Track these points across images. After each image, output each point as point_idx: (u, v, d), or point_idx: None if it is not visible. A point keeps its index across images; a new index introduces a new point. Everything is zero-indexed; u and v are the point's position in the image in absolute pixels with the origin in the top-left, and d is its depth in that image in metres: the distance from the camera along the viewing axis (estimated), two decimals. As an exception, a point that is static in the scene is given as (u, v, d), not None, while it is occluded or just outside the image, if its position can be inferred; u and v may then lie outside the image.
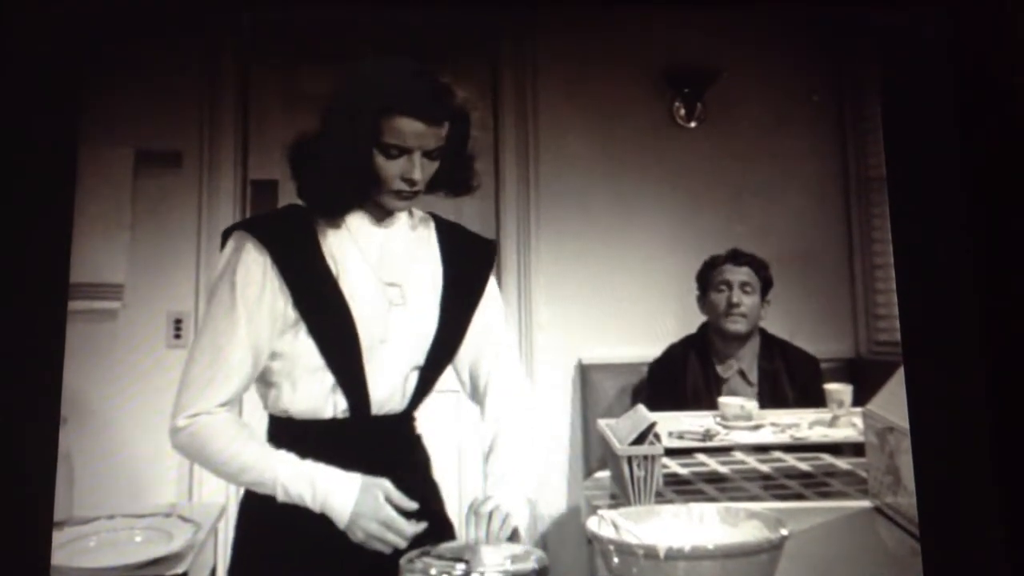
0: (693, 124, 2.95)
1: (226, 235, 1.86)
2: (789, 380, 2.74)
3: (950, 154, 1.86)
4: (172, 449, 1.81)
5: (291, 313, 1.82)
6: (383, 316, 1.86)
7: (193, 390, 1.78)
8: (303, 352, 1.82)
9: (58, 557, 1.83)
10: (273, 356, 1.83)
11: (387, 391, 1.86)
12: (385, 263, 1.89)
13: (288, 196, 2.82)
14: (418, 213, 1.99)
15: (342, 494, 1.77)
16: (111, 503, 2.19)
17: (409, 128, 1.82)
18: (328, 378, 1.82)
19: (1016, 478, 1.72)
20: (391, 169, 1.83)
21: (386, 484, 1.78)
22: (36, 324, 1.84)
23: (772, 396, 2.71)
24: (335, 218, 1.88)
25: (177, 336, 2.65)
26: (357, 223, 1.89)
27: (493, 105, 2.99)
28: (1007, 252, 1.82)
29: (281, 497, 1.77)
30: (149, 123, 2.60)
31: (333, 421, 1.84)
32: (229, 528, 2.54)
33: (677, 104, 2.96)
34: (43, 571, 1.76)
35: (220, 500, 2.43)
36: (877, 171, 3.09)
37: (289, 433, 1.84)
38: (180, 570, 1.90)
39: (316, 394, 1.83)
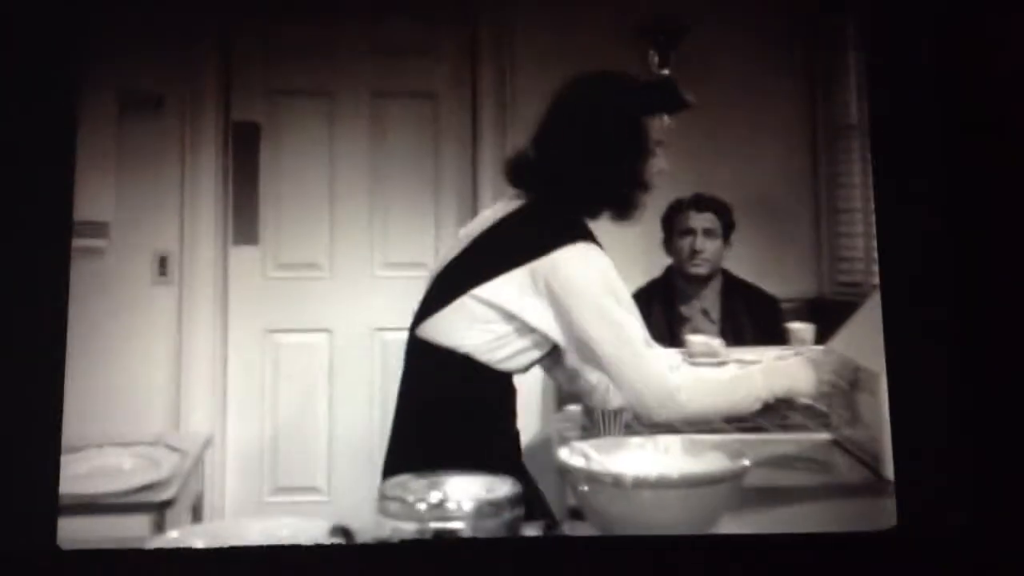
0: (667, 72, 2.97)
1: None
2: (750, 319, 2.80)
3: (930, 95, 1.84)
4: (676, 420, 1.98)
5: None
6: None
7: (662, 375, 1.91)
8: None
9: (49, 484, 1.86)
10: None
11: None
12: None
13: (271, 140, 2.87)
14: None
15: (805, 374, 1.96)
16: (101, 433, 2.23)
17: (664, 123, 1.99)
18: None
19: (988, 418, 1.74)
20: (652, 165, 1.99)
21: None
22: (38, 263, 1.84)
23: (734, 334, 2.76)
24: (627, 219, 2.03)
25: (163, 274, 2.68)
26: None
27: (471, 54, 3.01)
28: (984, 196, 1.82)
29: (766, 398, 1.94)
30: (132, 65, 2.60)
31: None
32: (215, 456, 2.61)
33: (651, 52, 2.98)
34: (52, 501, 1.77)
35: (206, 430, 2.48)
36: (844, 119, 3.14)
37: None
38: (167, 496, 1.96)
39: None
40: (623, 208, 2.02)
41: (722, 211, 2.84)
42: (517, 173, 2.03)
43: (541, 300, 1.91)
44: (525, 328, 1.94)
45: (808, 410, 2.18)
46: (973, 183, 1.82)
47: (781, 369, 1.96)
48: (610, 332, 1.89)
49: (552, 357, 2.03)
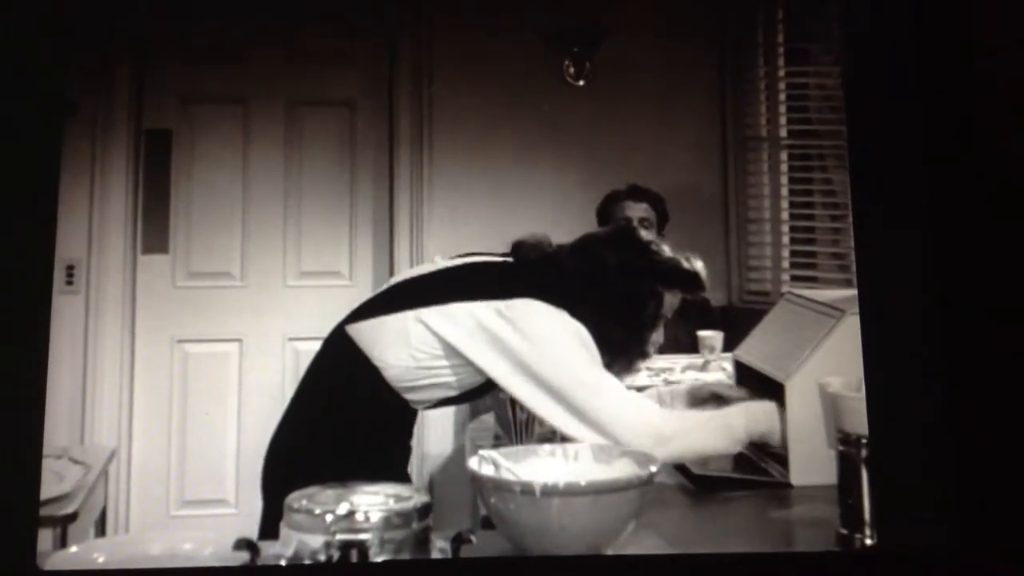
0: (582, 82, 3.00)
1: None
2: (694, 318, 2.81)
3: (908, 82, 1.83)
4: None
5: None
6: None
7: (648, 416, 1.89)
8: None
9: (-52, 499, 1.82)
10: None
11: None
12: None
13: (183, 148, 2.85)
14: None
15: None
16: (2, 446, 2.20)
17: (675, 300, 1.98)
18: None
19: (968, 434, 1.73)
20: (655, 336, 1.98)
21: None
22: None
23: (675, 338, 2.78)
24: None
25: (69, 283, 2.64)
26: None
27: (389, 66, 3.03)
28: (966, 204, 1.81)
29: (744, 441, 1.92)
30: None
31: None
32: (120, 470, 2.57)
33: (567, 63, 3.01)
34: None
35: (111, 443, 2.44)
36: (754, 131, 3.21)
37: None
38: (70, 510, 1.91)
39: None
40: (623, 367, 2.00)
41: (657, 201, 2.84)
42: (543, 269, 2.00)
43: (489, 337, 1.89)
44: (458, 368, 1.92)
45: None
46: (953, 192, 1.82)
47: (760, 413, 1.93)
48: (587, 377, 1.88)
49: (473, 406, 2.05)
